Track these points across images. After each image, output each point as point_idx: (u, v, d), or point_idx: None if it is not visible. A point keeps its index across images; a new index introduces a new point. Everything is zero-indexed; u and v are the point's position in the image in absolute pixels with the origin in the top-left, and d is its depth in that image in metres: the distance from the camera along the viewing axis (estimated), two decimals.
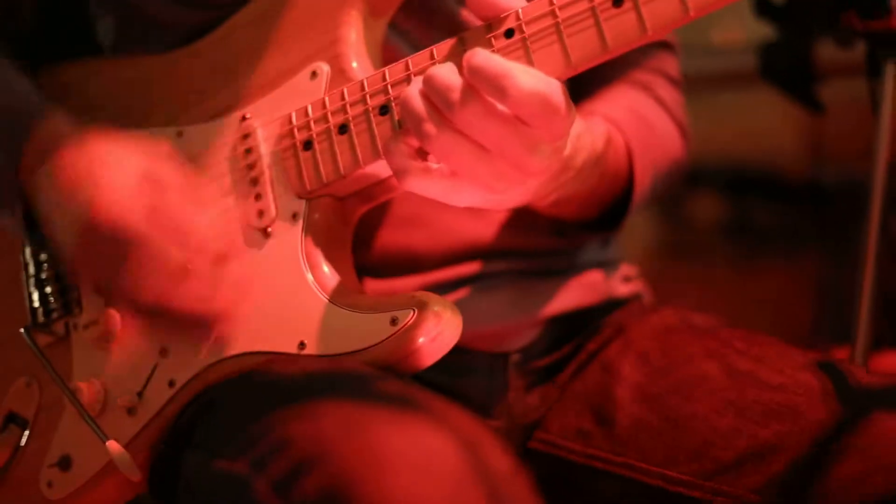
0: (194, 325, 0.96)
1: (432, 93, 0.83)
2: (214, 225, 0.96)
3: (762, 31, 1.81)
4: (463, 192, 0.86)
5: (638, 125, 1.14)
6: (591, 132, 1.00)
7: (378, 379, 0.87)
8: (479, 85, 0.82)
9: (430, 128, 0.83)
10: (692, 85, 1.34)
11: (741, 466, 0.97)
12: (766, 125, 2.10)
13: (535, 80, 0.81)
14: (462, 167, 0.84)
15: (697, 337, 1.10)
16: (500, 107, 0.82)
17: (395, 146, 0.87)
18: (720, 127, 1.34)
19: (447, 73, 0.83)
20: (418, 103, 0.84)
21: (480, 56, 0.82)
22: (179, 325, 0.96)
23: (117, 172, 0.96)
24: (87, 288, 1.05)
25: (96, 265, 0.97)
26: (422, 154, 0.87)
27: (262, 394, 0.90)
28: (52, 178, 0.99)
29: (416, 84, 0.86)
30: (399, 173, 0.87)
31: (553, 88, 0.82)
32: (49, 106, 1.07)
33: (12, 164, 1.04)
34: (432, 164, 0.86)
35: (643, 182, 1.11)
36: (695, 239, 2.25)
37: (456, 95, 0.81)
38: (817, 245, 2.12)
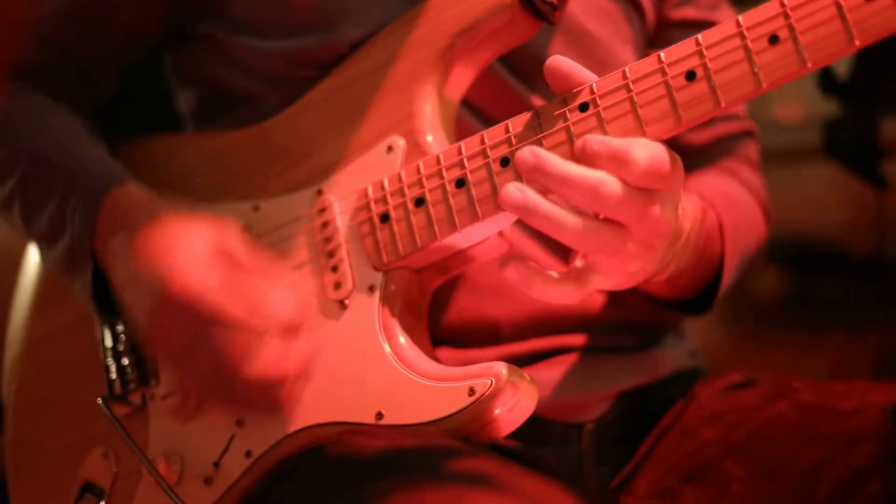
0: (266, 396, 0.96)
1: (575, 192, 0.83)
2: (287, 298, 0.96)
3: (823, 106, 1.82)
4: (603, 273, 0.86)
5: (728, 205, 1.16)
6: (690, 199, 1.01)
7: (467, 454, 0.87)
8: (603, 165, 0.83)
9: (574, 225, 0.83)
10: None
11: (839, 497, 0.96)
12: (828, 199, 2.10)
13: (646, 147, 0.83)
14: (606, 249, 0.84)
15: (761, 386, 1.13)
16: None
17: (528, 276, 0.86)
18: (782, 201, 1.34)
19: (582, 171, 0.83)
20: (563, 213, 0.83)
21: (596, 140, 0.84)
22: (253, 395, 0.96)
23: (191, 247, 0.96)
24: (160, 356, 1.05)
25: (171, 337, 0.97)
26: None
27: (344, 467, 0.90)
28: (127, 248, 1.00)
29: (527, 194, 0.84)
30: (548, 294, 0.86)
31: (660, 147, 0.84)
32: (123, 174, 1.08)
33: (88, 231, 1.04)
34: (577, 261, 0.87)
35: (733, 259, 1.13)
36: (756, 312, 2.23)
37: (606, 188, 0.82)
38: (880, 319, 2.09)
